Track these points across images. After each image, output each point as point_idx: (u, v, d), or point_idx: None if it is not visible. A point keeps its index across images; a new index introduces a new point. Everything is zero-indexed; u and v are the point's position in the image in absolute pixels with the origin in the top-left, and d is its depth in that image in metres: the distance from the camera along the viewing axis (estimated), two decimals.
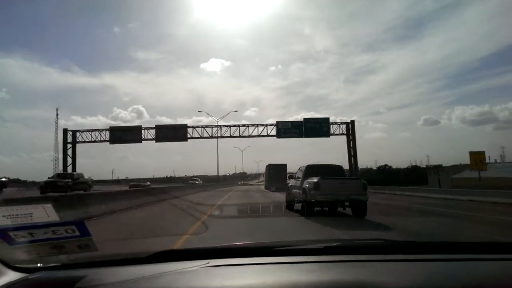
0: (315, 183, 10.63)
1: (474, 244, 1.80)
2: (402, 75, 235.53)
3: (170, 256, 1.54)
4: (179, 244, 6.08)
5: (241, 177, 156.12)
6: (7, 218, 1.26)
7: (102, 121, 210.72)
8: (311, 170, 12.24)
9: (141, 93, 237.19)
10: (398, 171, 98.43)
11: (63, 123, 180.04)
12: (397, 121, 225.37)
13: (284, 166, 44.84)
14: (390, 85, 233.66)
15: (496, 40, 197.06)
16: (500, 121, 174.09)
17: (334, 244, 1.73)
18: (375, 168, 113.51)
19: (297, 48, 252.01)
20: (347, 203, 11.03)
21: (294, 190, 12.68)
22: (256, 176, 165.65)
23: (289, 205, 12.79)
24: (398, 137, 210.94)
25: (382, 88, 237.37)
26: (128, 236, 7.77)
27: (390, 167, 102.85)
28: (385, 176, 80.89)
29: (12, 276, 1.29)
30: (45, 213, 1.30)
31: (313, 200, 10.54)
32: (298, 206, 12.10)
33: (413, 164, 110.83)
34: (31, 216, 1.28)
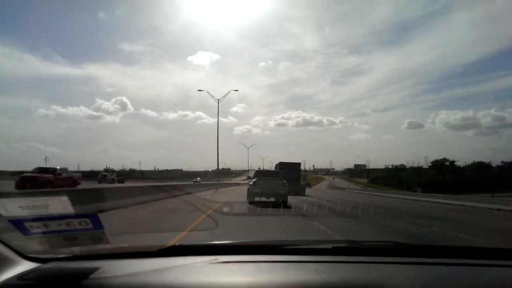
0: (254, 181, 16.81)
1: (484, 249, 1.79)
2: (387, 78, 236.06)
3: (180, 251, 1.56)
4: (188, 239, 6.14)
5: (224, 174, 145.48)
6: (23, 209, 1.29)
7: (84, 111, 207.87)
8: (258, 173, 18.55)
9: (125, 85, 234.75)
10: (462, 169, 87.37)
11: (43, 112, 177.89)
12: (381, 123, 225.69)
13: (297, 165, 38.88)
14: (375, 88, 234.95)
15: (480, 48, 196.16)
16: (483, 127, 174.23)
17: (342, 245, 1.73)
18: (427, 166, 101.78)
19: (285, 47, 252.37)
20: (275, 195, 16.38)
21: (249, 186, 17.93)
22: (240, 173, 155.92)
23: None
24: (382, 139, 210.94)
25: (367, 91, 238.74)
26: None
27: (452, 162, 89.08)
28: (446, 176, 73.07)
29: (26, 265, 1.33)
30: (60, 205, 1.33)
31: (254, 191, 16.41)
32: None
33: (478, 162, 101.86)
34: (47, 208, 1.31)
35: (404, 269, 1.48)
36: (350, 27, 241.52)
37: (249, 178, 23.08)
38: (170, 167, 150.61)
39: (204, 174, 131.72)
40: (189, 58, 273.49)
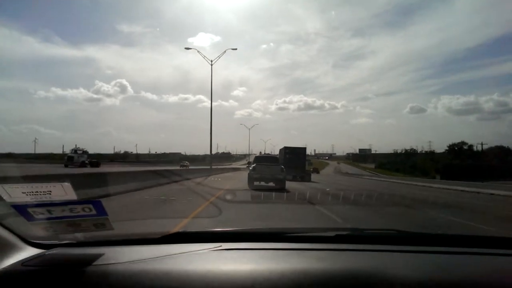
0: (253, 167, 17.95)
1: (486, 238, 1.79)
2: (389, 62, 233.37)
3: (184, 238, 1.57)
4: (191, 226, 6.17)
5: (224, 158, 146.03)
6: (27, 194, 1.28)
7: (83, 93, 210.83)
8: (257, 159, 19.62)
9: (125, 68, 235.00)
10: (480, 153, 73.15)
11: (43, 94, 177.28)
12: (383, 108, 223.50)
13: (303, 150, 37.73)
14: (378, 72, 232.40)
15: (482, 33, 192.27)
16: (485, 112, 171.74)
17: (345, 233, 1.73)
18: (433, 150, 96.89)
19: (287, 29, 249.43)
20: (273, 180, 17.43)
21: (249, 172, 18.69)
22: (241, 157, 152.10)
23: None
24: (384, 124, 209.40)
25: (370, 75, 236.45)
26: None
27: (471, 146, 77.81)
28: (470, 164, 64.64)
29: (30, 251, 1.34)
30: (63, 191, 1.32)
31: (253, 176, 17.52)
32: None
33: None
34: (50, 194, 1.31)
35: (407, 257, 1.48)
36: (353, 9, 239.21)
37: (249, 163, 24.32)
38: (170, 151, 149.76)
39: (203, 158, 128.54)
40: (190, 39, 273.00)
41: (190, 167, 43.83)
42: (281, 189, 16.00)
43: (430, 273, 1.28)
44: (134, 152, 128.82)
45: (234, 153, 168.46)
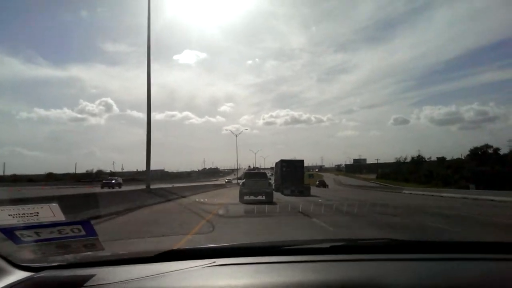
0: (243, 182, 20.20)
1: (481, 243, 1.79)
2: (372, 76, 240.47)
3: (177, 256, 1.54)
4: (185, 243, 6.09)
5: (211, 174, 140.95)
6: (14, 217, 1.26)
7: (68, 113, 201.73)
8: (246, 175, 22.50)
9: (109, 87, 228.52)
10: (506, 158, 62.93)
11: (25, 115, 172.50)
12: (368, 120, 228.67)
13: (300, 163, 35.54)
14: (361, 85, 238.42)
15: (461, 44, 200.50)
16: (466, 121, 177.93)
17: (340, 244, 1.72)
18: (431, 158, 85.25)
19: (271, 45, 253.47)
20: (261, 194, 19.07)
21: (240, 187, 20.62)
22: (228, 172, 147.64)
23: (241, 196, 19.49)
24: (369, 135, 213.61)
25: (354, 88, 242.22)
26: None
27: (497, 150, 65.92)
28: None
29: (18, 275, 1.30)
30: (51, 212, 1.30)
31: (243, 191, 19.08)
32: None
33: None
34: (37, 216, 1.29)
35: (402, 266, 1.48)
36: (335, 24, 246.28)
37: (239, 179, 26.81)
38: (156, 168, 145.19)
39: (188, 175, 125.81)
40: (175, 57, 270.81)
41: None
42: (269, 202, 17.45)
43: (425, 281, 1.28)
44: (111, 170, 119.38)
45: (222, 168, 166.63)
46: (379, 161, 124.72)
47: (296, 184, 30.41)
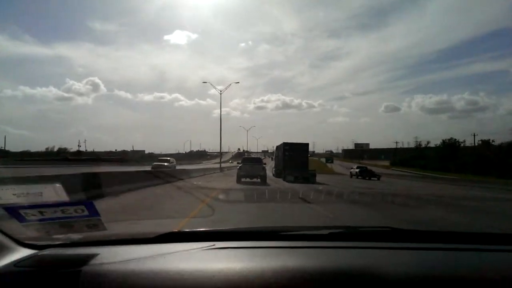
0: (240, 166, 22.90)
1: (479, 234, 1.80)
2: (364, 63, 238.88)
3: (177, 237, 1.57)
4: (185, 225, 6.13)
5: (197, 156, 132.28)
6: (18, 196, 1.28)
7: (54, 92, 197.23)
8: (243, 160, 24.56)
9: (97, 66, 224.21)
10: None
11: (9, 93, 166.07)
12: (360, 107, 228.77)
13: (305, 146, 32.29)
14: (353, 72, 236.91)
15: (453, 34, 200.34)
16: (456, 110, 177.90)
17: (339, 230, 1.73)
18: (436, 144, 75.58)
19: (264, 29, 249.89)
20: (256, 177, 21.95)
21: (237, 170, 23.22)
22: (217, 155, 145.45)
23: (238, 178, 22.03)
24: (360, 122, 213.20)
25: (346, 75, 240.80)
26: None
27: None
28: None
29: (22, 252, 1.33)
30: (54, 192, 1.32)
31: (240, 173, 21.96)
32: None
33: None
34: (41, 195, 1.31)
35: (400, 254, 1.48)
36: (329, 10, 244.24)
37: (238, 163, 26.63)
38: (147, 150, 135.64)
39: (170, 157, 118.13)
40: (166, 37, 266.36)
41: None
42: (263, 183, 20.66)
43: (423, 270, 1.29)
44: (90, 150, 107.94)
45: (210, 151, 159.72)
46: (378, 147, 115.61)
47: (300, 169, 27.96)
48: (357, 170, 41.81)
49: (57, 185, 1.34)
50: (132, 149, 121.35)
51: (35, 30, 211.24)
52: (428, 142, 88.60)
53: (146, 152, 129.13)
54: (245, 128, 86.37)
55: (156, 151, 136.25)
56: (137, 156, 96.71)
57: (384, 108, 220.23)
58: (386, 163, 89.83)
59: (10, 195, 1.27)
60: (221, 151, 39.33)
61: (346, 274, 1.21)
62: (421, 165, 70.73)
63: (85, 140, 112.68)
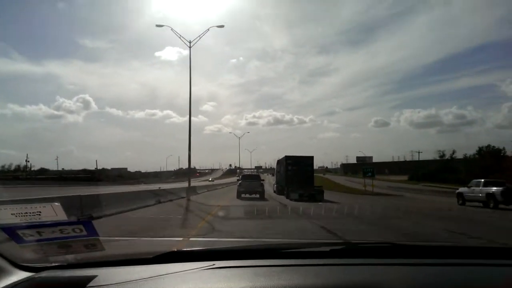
0: (240, 183, 25.56)
1: (480, 248, 1.79)
2: (353, 78, 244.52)
3: (177, 257, 1.55)
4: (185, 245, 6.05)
5: (183, 174, 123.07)
6: (16, 216, 1.27)
7: (44, 110, 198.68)
8: (243, 176, 27.56)
9: (88, 84, 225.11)
10: None
11: None
12: (350, 122, 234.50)
13: (310, 160, 29.49)
14: (342, 87, 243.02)
15: (440, 49, 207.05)
16: (444, 125, 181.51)
17: (340, 247, 1.72)
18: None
19: (255, 45, 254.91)
20: (255, 192, 24.60)
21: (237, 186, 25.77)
22: (208, 172, 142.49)
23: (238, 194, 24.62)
24: (350, 137, 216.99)
25: (335, 90, 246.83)
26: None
27: None
28: None
29: (19, 275, 1.30)
30: (53, 212, 1.30)
31: (240, 190, 24.68)
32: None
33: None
34: (40, 215, 1.29)
35: (402, 270, 1.47)
36: (318, 26, 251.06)
37: (239, 180, 28.85)
38: (137, 168, 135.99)
39: (156, 175, 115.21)
40: (156, 53, 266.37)
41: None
42: (261, 198, 22.71)
43: (424, 285, 1.27)
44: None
45: (201, 169, 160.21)
46: (378, 161, 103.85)
47: (306, 186, 25.52)
48: (494, 190, 19.61)
49: (56, 204, 1.33)
50: (112, 168, 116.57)
51: (24, 48, 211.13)
52: (453, 152, 77.41)
53: (133, 170, 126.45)
54: (237, 136, 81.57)
55: (145, 169, 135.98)
56: (113, 175, 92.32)
57: (373, 123, 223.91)
58: (400, 177, 78.09)
59: (7, 214, 1.26)
60: (190, 159, 28.32)
61: None
62: (455, 179, 55.13)
63: (57, 157, 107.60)
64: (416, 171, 72.09)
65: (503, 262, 1.58)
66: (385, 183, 62.17)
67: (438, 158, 77.66)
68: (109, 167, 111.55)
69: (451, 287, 1.29)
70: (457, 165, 69.50)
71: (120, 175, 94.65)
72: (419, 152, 77.10)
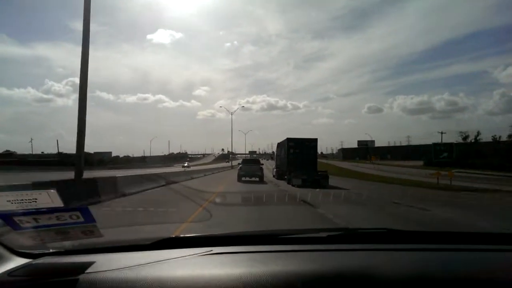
0: (240, 167, 26.87)
1: (476, 234, 1.80)
2: (347, 64, 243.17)
3: (174, 243, 1.55)
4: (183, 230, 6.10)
5: (177, 159, 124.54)
6: (12, 203, 1.26)
7: (32, 93, 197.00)
8: (244, 161, 29.07)
9: (78, 67, 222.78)
10: None
11: None
12: (343, 108, 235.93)
13: (313, 142, 27.02)
14: (337, 73, 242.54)
15: (433, 36, 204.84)
16: (436, 111, 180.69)
17: (337, 233, 1.73)
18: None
19: (249, 30, 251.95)
20: (255, 176, 25.77)
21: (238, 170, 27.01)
22: (198, 157, 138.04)
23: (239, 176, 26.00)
24: (344, 123, 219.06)
25: (329, 76, 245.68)
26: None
27: None
28: None
29: (16, 261, 1.31)
30: (49, 198, 1.30)
31: (240, 173, 26.06)
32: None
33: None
34: (36, 202, 1.28)
35: (398, 256, 1.49)
36: (313, 11, 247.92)
37: (239, 164, 29.98)
38: (131, 153, 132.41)
39: (142, 159, 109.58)
40: (148, 36, 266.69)
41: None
42: (260, 181, 24.58)
43: (420, 271, 1.29)
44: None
45: (193, 153, 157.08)
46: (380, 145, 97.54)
47: (309, 170, 23.23)
48: None
49: (52, 191, 1.32)
50: (95, 152, 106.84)
51: (13, 30, 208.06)
52: (478, 134, 65.09)
53: (121, 155, 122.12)
54: (229, 111, 75.81)
55: (137, 153, 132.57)
56: (94, 159, 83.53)
57: (367, 109, 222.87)
58: (412, 162, 66.58)
59: (3, 201, 1.25)
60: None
61: (344, 277, 1.21)
62: (486, 164, 47.99)
63: (31, 140, 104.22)
64: (429, 156, 55.00)
65: (500, 247, 1.59)
66: (408, 169, 51.29)
67: (461, 141, 66.02)
68: (92, 151, 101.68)
69: (447, 271, 1.30)
70: (484, 149, 59.97)
71: (101, 160, 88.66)
72: (440, 136, 62.57)
